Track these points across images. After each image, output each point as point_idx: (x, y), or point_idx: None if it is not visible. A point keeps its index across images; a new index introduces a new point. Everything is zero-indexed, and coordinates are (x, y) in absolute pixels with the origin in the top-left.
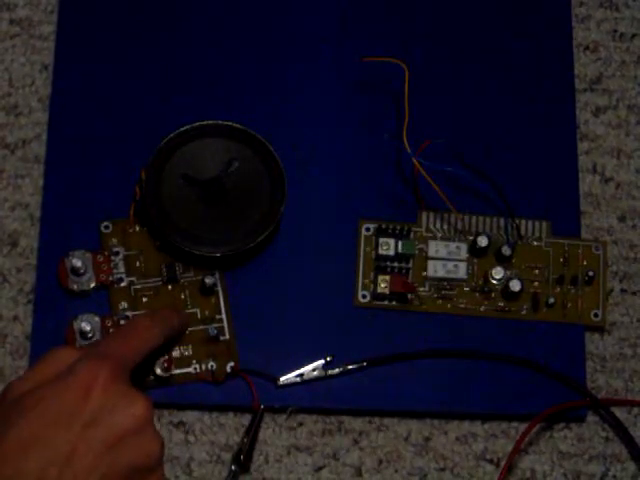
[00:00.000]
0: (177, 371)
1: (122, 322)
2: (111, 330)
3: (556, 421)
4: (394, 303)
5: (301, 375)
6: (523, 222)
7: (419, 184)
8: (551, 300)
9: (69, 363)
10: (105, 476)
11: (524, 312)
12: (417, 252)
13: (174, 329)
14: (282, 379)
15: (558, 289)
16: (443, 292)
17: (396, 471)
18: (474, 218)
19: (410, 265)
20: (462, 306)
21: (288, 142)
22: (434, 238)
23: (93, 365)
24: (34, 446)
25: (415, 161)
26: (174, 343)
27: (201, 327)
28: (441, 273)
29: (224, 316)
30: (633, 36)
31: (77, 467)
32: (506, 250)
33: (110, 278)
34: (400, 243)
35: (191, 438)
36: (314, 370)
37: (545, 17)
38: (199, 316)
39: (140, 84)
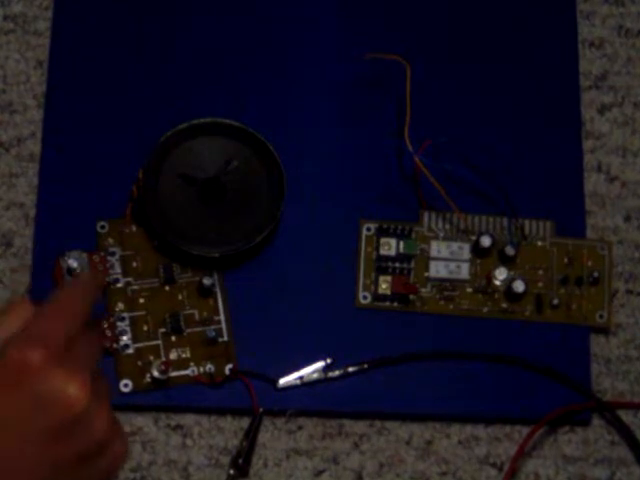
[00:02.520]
0: (175, 373)
1: (118, 323)
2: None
3: (560, 424)
4: (395, 304)
5: (301, 377)
6: (527, 222)
7: (421, 183)
8: (555, 301)
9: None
10: (55, 466)
11: (528, 313)
12: (419, 252)
13: (95, 291)
14: (282, 381)
15: (562, 290)
16: (445, 293)
17: (397, 475)
18: (477, 218)
19: (412, 265)
20: (465, 307)
21: (288, 141)
22: (436, 238)
23: (24, 348)
24: None
25: (417, 160)
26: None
27: (199, 329)
28: (443, 274)
29: (222, 317)
30: (639, 32)
31: (22, 464)
32: (509, 250)
33: (106, 279)
34: (401, 243)
35: (189, 441)
36: (314, 372)
37: (550, 13)
38: (197, 317)
39: (137, 82)
